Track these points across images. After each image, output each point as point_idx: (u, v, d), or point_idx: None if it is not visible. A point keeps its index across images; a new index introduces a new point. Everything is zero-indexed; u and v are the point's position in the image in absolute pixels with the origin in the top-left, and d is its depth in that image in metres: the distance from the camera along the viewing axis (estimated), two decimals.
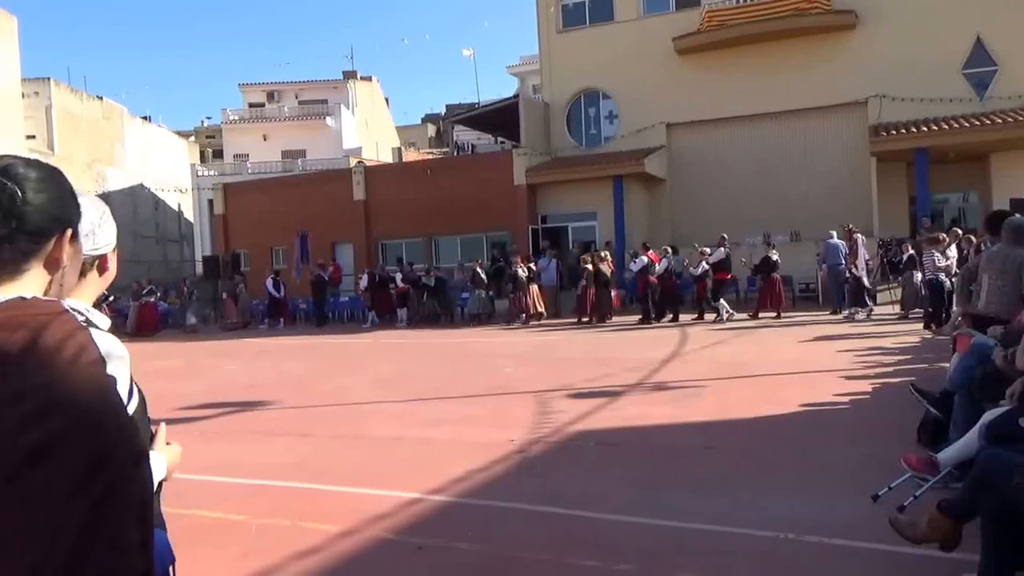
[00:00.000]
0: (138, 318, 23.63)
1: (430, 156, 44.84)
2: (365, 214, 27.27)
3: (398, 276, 22.33)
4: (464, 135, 42.20)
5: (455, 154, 39.94)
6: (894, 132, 21.72)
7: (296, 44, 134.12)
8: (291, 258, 25.78)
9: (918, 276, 15.79)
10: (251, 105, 50.01)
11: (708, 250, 18.31)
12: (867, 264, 17.42)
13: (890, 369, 9.87)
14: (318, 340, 19.01)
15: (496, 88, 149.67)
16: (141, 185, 40.64)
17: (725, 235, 18.78)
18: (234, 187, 31.03)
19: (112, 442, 1.17)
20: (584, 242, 24.23)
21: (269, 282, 23.36)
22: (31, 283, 1.28)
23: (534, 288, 20.35)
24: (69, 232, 1.33)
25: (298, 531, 4.83)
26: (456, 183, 25.78)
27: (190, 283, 27.80)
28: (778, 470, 5.75)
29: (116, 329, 1.47)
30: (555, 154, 26.56)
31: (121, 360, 1.35)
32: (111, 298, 22.75)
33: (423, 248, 26.72)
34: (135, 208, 39.71)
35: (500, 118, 28.18)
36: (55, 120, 35.67)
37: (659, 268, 18.66)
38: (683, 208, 25.51)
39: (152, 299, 24.94)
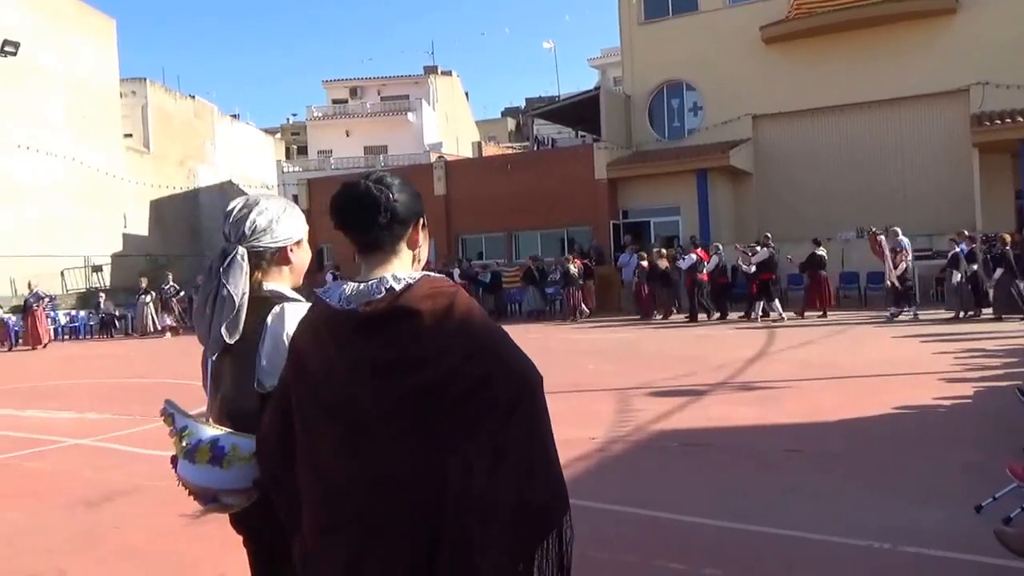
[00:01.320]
0: None
1: (510, 150, 44.98)
2: (446, 209, 27.44)
3: (455, 272, 22.51)
4: (544, 129, 42.21)
5: (535, 148, 39.98)
6: (998, 122, 20.61)
7: (378, 40, 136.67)
8: None
9: (956, 276, 15.64)
10: (334, 101, 51.01)
11: (759, 248, 18.02)
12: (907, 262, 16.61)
13: (994, 372, 9.36)
14: None
15: (576, 81, 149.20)
16: (230, 182, 41.78)
17: (769, 234, 18.44)
18: (318, 183, 31.49)
19: (526, 375, 1.61)
20: (666, 237, 23.89)
21: (329, 276, 23.65)
22: (404, 259, 1.74)
23: (590, 285, 20.98)
24: (421, 220, 1.78)
25: None
26: (536, 177, 25.74)
27: None
28: (871, 476, 5.48)
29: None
30: (637, 147, 26.20)
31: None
32: (181, 292, 23.58)
33: (503, 243, 26.78)
34: (224, 204, 40.75)
35: (580, 111, 27.95)
36: (151, 119, 36.94)
37: (709, 266, 18.35)
38: (770, 203, 24.81)
39: None
